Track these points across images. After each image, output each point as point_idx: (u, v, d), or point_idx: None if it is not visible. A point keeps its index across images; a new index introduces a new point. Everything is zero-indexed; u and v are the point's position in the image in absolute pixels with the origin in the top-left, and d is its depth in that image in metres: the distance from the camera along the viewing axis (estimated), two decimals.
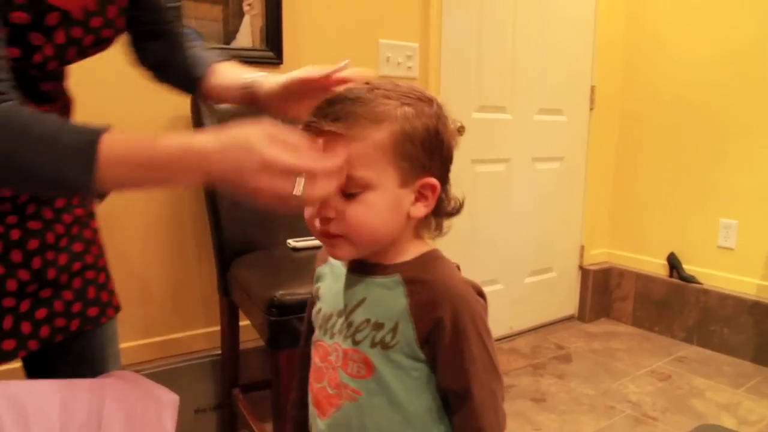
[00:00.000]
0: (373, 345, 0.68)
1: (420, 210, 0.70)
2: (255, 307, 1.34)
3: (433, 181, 0.69)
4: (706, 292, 2.57)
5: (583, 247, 2.92)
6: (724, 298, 2.51)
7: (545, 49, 2.57)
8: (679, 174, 2.70)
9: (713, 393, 2.18)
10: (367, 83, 0.70)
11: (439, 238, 0.77)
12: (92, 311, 0.92)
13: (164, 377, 1.68)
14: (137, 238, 1.68)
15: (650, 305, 2.79)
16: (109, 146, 0.60)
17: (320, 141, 0.65)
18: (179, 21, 1.04)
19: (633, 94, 2.86)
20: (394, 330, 0.68)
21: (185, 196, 1.74)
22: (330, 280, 0.78)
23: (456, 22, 2.26)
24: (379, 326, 0.69)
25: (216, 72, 0.98)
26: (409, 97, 0.68)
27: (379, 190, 0.66)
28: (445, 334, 0.66)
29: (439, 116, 0.70)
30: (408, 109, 0.67)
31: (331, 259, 0.79)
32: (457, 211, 0.76)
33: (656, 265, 2.80)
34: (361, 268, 0.73)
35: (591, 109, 2.79)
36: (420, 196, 0.70)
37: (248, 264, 1.52)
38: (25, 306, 0.83)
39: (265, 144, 0.60)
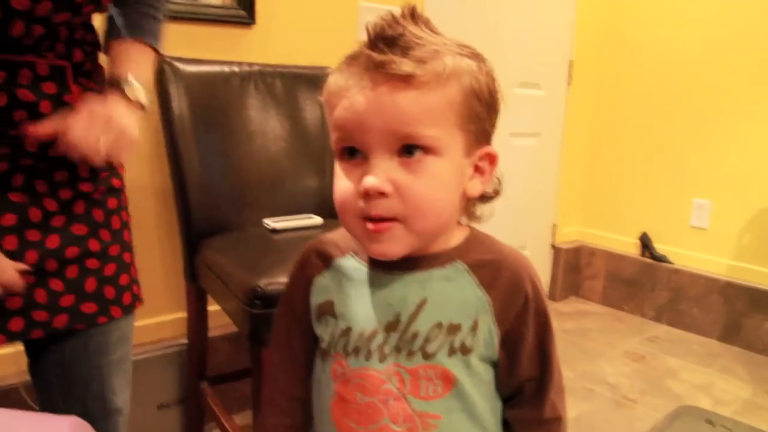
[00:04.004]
0: (451, 353, 0.56)
1: (476, 187, 0.58)
2: (232, 297, 1.20)
3: (494, 151, 0.58)
4: (677, 271, 2.57)
5: (555, 225, 2.87)
6: (695, 278, 2.51)
7: (527, 21, 2.46)
8: (653, 153, 2.66)
9: (687, 373, 2.18)
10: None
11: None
12: (88, 307, 0.78)
13: None
14: None
15: (620, 284, 2.78)
16: None
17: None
18: None
19: (609, 70, 2.79)
20: (474, 328, 0.56)
21: (145, 169, 1.56)
22: (346, 288, 0.61)
23: None
24: (455, 329, 0.56)
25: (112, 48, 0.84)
26: (464, 49, 0.56)
27: (446, 157, 0.53)
28: (530, 315, 0.57)
29: (493, 77, 0.58)
30: (471, 62, 0.55)
31: (338, 261, 0.63)
32: (496, 193, 0.64)
33: (628, 244, 2.78)
34: (395, 264, 0.57)
35: (569, 84, 2.71)
36: (477, 169, 0.58)
37: (221, 247, 1.37)
38: None
39: None
